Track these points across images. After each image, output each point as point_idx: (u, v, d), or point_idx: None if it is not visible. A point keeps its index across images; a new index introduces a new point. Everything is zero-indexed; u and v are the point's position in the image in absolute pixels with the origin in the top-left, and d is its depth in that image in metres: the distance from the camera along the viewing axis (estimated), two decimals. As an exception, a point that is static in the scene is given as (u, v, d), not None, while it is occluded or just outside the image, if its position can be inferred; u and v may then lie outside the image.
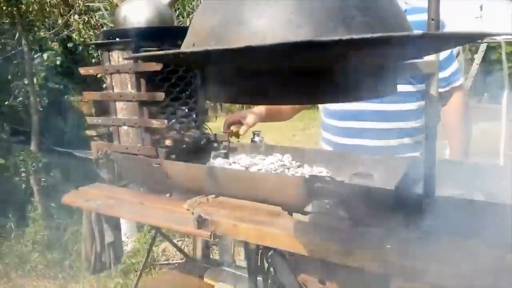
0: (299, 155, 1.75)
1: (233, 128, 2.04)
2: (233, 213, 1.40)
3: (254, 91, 0.75)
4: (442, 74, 1.87)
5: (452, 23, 7.42)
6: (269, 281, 1.61)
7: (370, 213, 1.25)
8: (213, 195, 1.54)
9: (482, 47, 8.51)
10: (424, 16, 1.87)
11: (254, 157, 1.78)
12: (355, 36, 0.57)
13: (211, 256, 2.09)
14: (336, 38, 0.57)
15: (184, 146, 1.75)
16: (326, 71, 0.69)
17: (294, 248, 1.24)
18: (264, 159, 1.75)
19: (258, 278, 1.58)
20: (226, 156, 1.83)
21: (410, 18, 1.90)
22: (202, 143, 1.82)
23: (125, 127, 1.69)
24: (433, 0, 1.03)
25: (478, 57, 8.74)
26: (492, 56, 9.40)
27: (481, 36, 0.70)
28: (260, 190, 1.43)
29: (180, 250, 2.18)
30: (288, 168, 1.68)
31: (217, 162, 1.72)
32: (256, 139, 1.95)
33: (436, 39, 0.70)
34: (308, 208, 1.37)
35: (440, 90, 1.89)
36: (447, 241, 1.10)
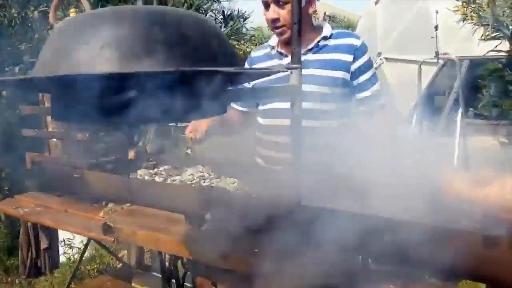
0: (219, 167, 1.87)
1: (190, 135, 2.13)
2: (138, 220, 1.51)
3: (89, 114, 0.87)
4: (363, 94, 1.98)
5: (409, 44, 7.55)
6: (183, 284, 1.72)
7: (257, 221, 1.37)
8: (128, 204, 1.65)
9: (465, 64, 8.70)
10: (347, 40, 2.00)
11: (178, 169, 1.90)
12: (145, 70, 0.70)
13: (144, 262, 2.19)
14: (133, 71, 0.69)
15: (113, 157, 1.87)
16: (134, 98, 0.81)
17: (182, 253, 1.35)
18: (186, 171, 1.87)
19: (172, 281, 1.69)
20: (154, 167, 1.94)
21: (336, 41, 2.00)
22: (131, 155, 1.93)
23: (55, 139, 1.81)
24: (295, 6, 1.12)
25: (460, 73, 8.92)
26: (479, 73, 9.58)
27: (277, 69, 0.82)
28: (166, 199, 1.54)
29: (115, 256, 2.29)
30: (204, 180, 1.79)
31: (140, 172, 1.83)
32: (188, 151, 2.08)
33: (235, 75, 0.82)
34: (207, 216, 1.48)
35: (363, 109, 2.01)
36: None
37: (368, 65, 1.99)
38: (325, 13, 9.50)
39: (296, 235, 1.25)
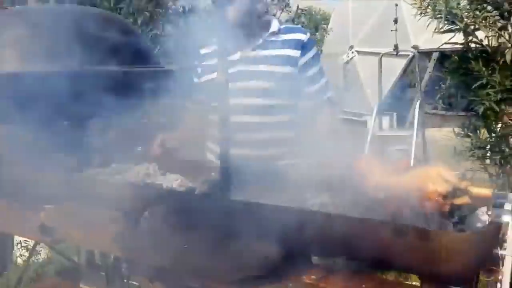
0: (165, 164, 1.88)
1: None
2: (76, 220, 1.51)
3: None
4: (312, 88, 2.01)
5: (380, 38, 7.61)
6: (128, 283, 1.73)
7: (191, 217, 1.39)
8: (67, 203, 1.65)
9: (434, 56, 8.83)
10: (294, 36, 2.01)
11: (125, 166, 1.90)
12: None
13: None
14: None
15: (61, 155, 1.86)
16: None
17: (117, 251, 1.36)
18: (133, 168, 1.87)
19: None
20: (101, 165, 1.94)
21: (284, 37, 2.00)
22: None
23: None
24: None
25: (430, 66, 9.07)
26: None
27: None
28: (106, 197, 1.55)
29: (64, 256, 2.27)
30: (149, 177, 1.80)
31: (89, 171, 1.83)
32: (139, 148, 2.08)
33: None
34: (146, 214, 1.50)
35: (311, 102, 2.02)
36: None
37: (315, 60, 2.02)
38: (298, 7, 9.52)
39: (226, 230, 1.28)
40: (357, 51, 8.82)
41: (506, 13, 3.09)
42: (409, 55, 6.28)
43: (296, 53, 1.96)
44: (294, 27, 2.12)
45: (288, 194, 1.39)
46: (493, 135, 3.76)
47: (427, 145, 6.92)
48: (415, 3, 3.20)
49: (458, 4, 3.12)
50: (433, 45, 6.38)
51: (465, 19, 3.10)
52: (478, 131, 3.85)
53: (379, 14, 8.47)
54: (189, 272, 1.27)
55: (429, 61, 8.89)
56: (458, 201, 1.14)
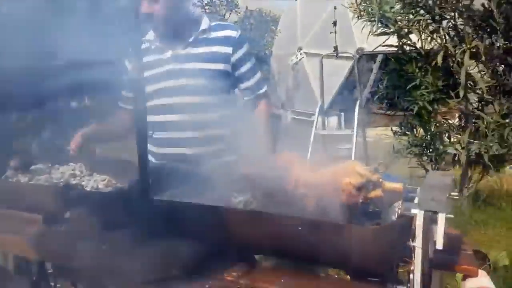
0: (92, 165, 1.82)
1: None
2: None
3: None
4: (246, 84, 2.02)
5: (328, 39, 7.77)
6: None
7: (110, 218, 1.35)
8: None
9: (379, 58, 9.11)
10: (225, 33, 1.99)
11: (50, 167, 1.83)
12: None
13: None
14: None
15: None
16: None
17: (32, 254, 1.30)
18: (58, 169, 1.81)
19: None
20: (24, 166, 1.85)
21: (215, 34, 1.96)
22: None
23: None
24: None
25: (375, 67, 9.35)
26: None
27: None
28: (22, 200, 1.48)
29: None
30: (75, 178, 1.74)
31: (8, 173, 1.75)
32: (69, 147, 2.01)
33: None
34: (67, 215, 1.44)
35: (246, 98, 2.04)
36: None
37: (248, 56, 2.02)
38: (247, 7, 9.54)
39: (146, 229, 1.25)
40: (305, 52, 8.94)
41: (437, 16, 3.22)
42: (352, 57, 6.41)
43: (227, 50, 1.95)
44: (225, 24, 2.12)
45: (213, 192, 1.39)
46: (428, 133, 3.93)
47: (370, 144, 7.12)
48: (351, 7, 3.28)
49: (392, 8, 3.22)
50: (377, 48, 6.58)
51: (399, 23, 3.21)
52: (414, 129, 4.01)
53: (326, 17, 8.63)
54: (108, 274, 1.23)
55: (375, 63, 9.18)
56: (372, 194, 1.17)
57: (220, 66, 1.95)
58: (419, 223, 1.06)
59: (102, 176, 1.74)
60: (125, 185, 1.53)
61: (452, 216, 1.05)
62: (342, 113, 9.14)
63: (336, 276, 1.46)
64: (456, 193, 1.11)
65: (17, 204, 1.51)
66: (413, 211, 1.06)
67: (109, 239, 1.27)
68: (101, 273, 1.28)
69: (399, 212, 1.10)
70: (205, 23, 1.99)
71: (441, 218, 1.04)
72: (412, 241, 1.09)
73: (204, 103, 1.92)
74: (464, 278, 1.37)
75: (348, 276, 1.24)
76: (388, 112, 8.66)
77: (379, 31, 3.23)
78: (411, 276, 1.11)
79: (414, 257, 1.09)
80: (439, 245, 1.06)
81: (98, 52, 1.42)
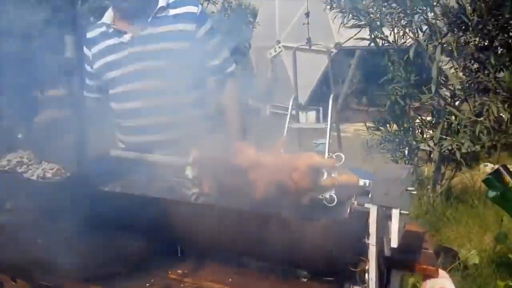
0: (43, 152, 1.72)
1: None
2: None
3: None
4: (214, 62, 1.89)
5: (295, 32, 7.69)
6: None
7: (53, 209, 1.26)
8: None
9: (358, 53, 9.10)
10: (186, 9, 1.84)
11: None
12: None
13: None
14: None
15: None
16: None
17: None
18: (5, 156, 1.70)
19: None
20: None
21: (175, 11, 1.83)
22: None
23: None
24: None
25: (353, 62, 9.35)
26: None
27: None
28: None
29: None
30: (21, 166, 1.64)
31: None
32: (19, 135, 1.90)
33: None
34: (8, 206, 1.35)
35: (214, 77, 1.91)
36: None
37: (212, 32, 1.89)
38: (225, -1, 9.42)
39: (87, 222, 1.17)
40: (283, 46, 8.88)
41: (409, 10, 3.19)
42: (331, 51, 6.38)
43: (190, 27, 1.83)
44: (184, 0, 1.91)
45: (164, 183, 1.31)
46: (401, 128, 3.92)
47: (348, 140, 7.12)
48: (324, -1, 3.22)
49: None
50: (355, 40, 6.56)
51: (371, 15, 3.16)
52: (388, 125, 3.99)
53: (304, 9, 8.59)
54: (46, 269, 1.15)
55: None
56: (324, 181, 1.11)
57: (184, 45, 1.81)
58: (372, 219, 1.00)
59: (50, 164, 1.63)
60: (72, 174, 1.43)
61: (406, 212, 1.00)
62: (321, 108, 9.10)
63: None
64: (413, 188, 1.05)
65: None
66: (367, 205, 1.00)
67: (49, 231, 1.17)
68: (38, 268, 1.19)
69: (353, 207, 1.03)
70: (162, 1, 1.85)
71: (395, 214, 0.98)
72: (367, 238, 1.03)
73: (171, 86, 1.80)
74: (425, 278, 1.32)
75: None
76: (365, 108, 8.72)
77: (350, 23, 3.17)
78: (366, 275, 1.06)
79: (369, 256, 1.03)
80: (394, 243, 1.00)
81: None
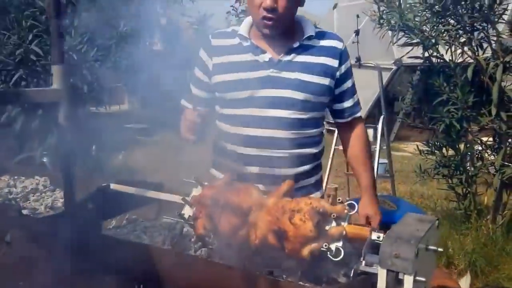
0: (59, 179, 1.68)
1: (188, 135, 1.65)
2: None
3: None
4: (345, 104, 1.72)
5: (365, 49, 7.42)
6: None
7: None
8: None
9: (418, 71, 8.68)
10: (331, 43, 1.67)
11: (15, 180, 1.71)
12: None
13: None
14: None
15: None
16: None
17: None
18: (23, 181, 1.69)
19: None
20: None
21: (321, 43, 1.64)
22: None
23: None
24: None
25: (414, 79, 8.92)
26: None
27: None
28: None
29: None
30: (35, 193, 1.61)
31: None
32: (44, 159, 1.89)
33: None
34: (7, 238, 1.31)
35: (341, 121, 1.74)
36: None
37: (350, 72, 1.72)
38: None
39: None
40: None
41: (467, 27, 2.92)
42: (375, 66, 6.06)
43: (334, 62, 1.66)
44: (328, 32, 1.75)
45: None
46: (458, 153, 3.60)
47: (407, 159, 6.68)
48: (372, 15, 3.03)
49: (416, 16, 2.94)
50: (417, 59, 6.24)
51: (424, 33, 2.92)
52: (443, 148, 3.69)
53: (364, 26, 8.35)
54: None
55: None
56: (331, 230, 0.95)
57: (326, 81, 1.64)
58: (380, 285, 0.83)
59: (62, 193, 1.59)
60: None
61: (423, 279, 0.82)
62: (379, 126, 8.70)
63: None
64: (438, 248, 0.87)
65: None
66: (375, 268, 0.84)
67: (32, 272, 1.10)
68: None
69: (360, 267, 0.87)
70: (311, 28, 1.67)
71: (408, 281, 0.81)
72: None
73: (300, 120, 1.64)
74: None
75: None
76: (424, 127, 8.25)
77: (400, 41, 2.95)
78: None
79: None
80: (406, 317, 0.83)
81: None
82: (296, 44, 1.63)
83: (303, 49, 1.64)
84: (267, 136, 1.63)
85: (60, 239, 1.08)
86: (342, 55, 1.67)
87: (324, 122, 1.91)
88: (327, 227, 0.97)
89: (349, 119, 1.74)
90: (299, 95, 1.61)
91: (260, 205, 1.05)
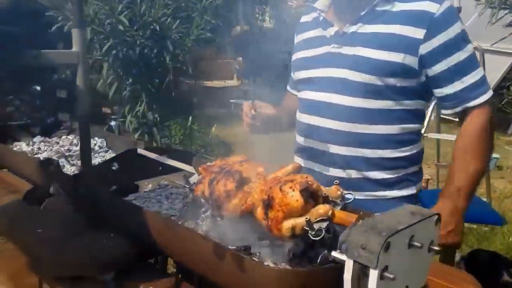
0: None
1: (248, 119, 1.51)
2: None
3: None
4: (447, 90, 1.32)
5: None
6: None
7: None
8: None
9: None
10: (419, 5, 1.31)
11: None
12: None
13: None
14: None
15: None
16: None
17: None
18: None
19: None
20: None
21: (403, 6, 1.33)
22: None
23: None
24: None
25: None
26: None
27: None
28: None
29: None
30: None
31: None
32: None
33: None
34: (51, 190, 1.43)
35: (447, 111, 1.38)
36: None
37: (455, 45, 1.29)
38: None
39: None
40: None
41: None
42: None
43: (416, 32, 1.27)
44: None
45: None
46: None
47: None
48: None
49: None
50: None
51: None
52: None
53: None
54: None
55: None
56: (318, 208, 0.89)
57: (398, 57, 1.28)
58: (346, 276, 0.75)
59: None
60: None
61: (391, 276, 0.72)
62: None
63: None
64: (419, 244, 0.76)
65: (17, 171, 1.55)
66: (343, 257, 0.76)
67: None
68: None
69: (330, 256, 0.79)
70: None
71: (373, 275, 0.72)
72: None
73: (368, 109, 1.33)
74: None
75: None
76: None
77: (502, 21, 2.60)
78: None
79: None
80: (372, 315, 0.74)
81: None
82: (363, 12, 1.33)
83: (374, 16, 1.32)
84: (324, 126, 1.37)
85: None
86: (434, 23, 1.26)
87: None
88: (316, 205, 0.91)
89: (459, 108, 1.33)
90: (354, 76, 1.31)
91: (260, 177, 1.01)
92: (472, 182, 1.31)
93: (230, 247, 0.87)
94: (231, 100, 7.38)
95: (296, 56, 1.54)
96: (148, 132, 3.34)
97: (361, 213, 0.84)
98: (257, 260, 0.84)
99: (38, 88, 1.89)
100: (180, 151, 1.46)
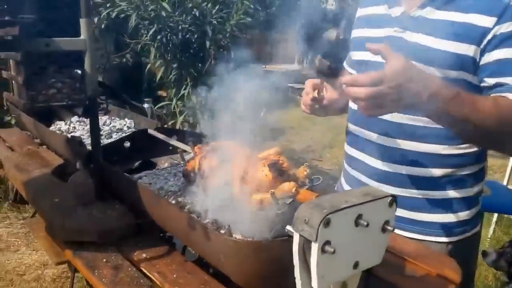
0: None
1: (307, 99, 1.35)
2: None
3: None
4: (496, 79, 1.13)
5: None
6: None
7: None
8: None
9: None
10: None
11: (115, 120, 2.02)
12: None
13: None
14: None
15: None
16: None
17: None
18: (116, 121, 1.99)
19: None
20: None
21: None
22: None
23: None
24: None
25: None
26: None
27: None
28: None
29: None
30: (118, 132, 1.88)
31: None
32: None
33: None
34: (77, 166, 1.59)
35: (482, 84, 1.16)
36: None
37: None
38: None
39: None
40: None
41: None
42: None
43: (486, 20, 1.12)
44: None
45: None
46: None
47: None
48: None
49: None
50: None
51: None
52: None
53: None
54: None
55: None
56: (284, 185, 0.96)
57: (464, 49, 1.13)
58: (295, 248, 0.81)
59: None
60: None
61: (331, 250, 0.77)
62: None
63: None
64: (365, 223, 0.80)
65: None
66: (291, 230, 0.82)
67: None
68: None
69: (286, 229, 0.86)
70: None
71: (314, 248, 0.78)
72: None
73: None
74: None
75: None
76: None
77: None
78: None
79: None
80: (314, 284, 0.80)
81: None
82: None
83: (442, 1, 1.17)
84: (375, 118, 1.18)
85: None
86: (508, 10, 1.10)
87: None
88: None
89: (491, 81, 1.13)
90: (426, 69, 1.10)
91: (243, 156, 1.09)
92: (469, 114, 1.05)
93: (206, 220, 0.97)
94: (288, 84, 7.35)
95: (356, 33, 1.40)
96: (193, 114, 3.50)
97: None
98: (223, 232, 0.92)
99: (79, 72, 2.02)
100: (188, 132, 1.56)
